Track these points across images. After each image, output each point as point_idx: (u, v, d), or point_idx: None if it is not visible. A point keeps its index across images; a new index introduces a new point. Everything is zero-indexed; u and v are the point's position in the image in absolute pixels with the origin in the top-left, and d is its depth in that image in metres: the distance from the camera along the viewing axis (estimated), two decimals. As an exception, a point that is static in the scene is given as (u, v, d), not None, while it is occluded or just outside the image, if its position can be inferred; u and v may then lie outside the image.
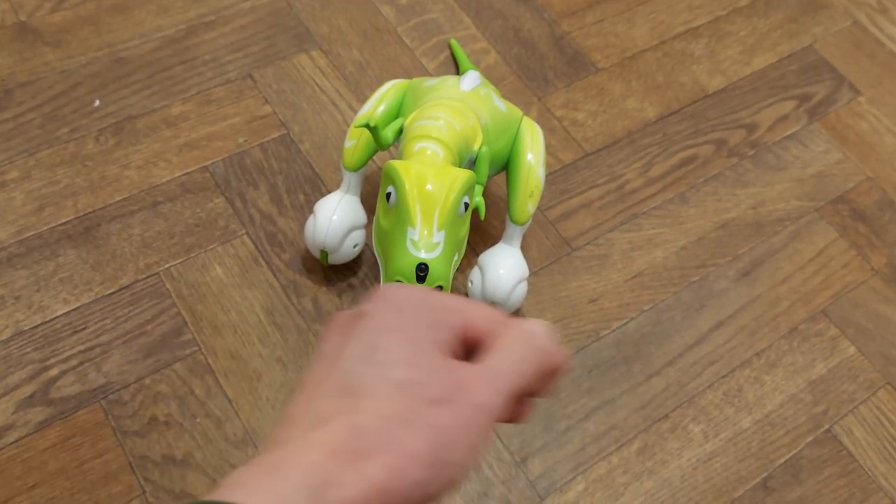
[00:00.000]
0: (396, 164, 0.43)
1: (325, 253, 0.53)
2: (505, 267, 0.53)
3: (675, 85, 0.70)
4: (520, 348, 0.27)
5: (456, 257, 0.44)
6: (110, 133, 0.61)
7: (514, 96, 0.67)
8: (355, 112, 0.64)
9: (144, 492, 0.48)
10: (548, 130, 0.65)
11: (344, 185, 0.55)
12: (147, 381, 0.51)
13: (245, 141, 0.62)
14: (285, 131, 0.63)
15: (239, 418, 0.50)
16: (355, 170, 0.54)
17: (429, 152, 0.45)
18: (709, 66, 0.71)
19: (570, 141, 0.65)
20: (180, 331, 0.53)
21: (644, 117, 0.67)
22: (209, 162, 0.60)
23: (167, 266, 0.56)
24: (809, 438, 0.54)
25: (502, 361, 0.26)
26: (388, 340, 0.25)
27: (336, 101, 0.65)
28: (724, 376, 0.56)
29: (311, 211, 0.59)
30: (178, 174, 0.60)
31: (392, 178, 0.42)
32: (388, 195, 0.43)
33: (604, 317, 0.57)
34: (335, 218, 0.53)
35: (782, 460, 0.53)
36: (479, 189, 0.48)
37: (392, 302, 0.26)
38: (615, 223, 0.62)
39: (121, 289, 0.54)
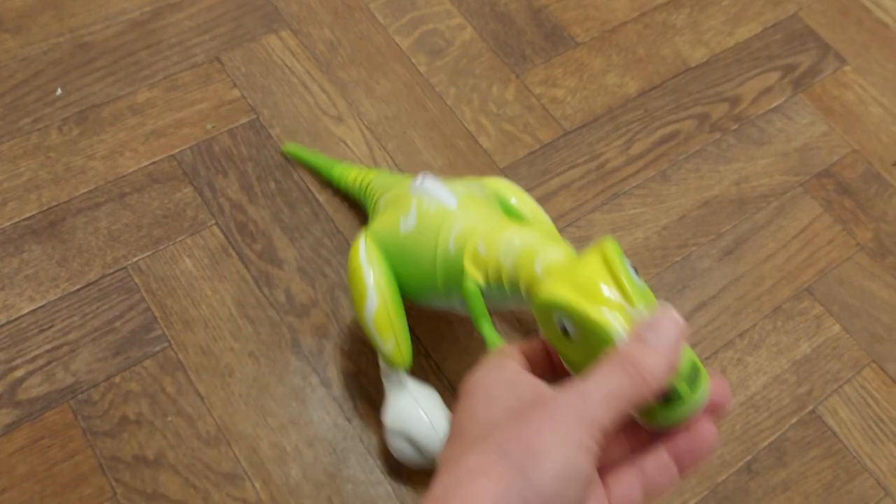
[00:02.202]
0: (548, 291, 0.33)
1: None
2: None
3: (657, 58, 0.68)
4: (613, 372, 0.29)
5: None
6: (74, 122, 0.59)
7: (491, 74, 0.65)
8: (327, 94, 0.62)
9: (116, 493, 0.47)
10: (526, 108, 0.64)
11: (396, 383, 0.47)
12: (117, 379, 0.50)
13: (213, 127, 0.60)
14: (255, 116, 0.61)
15: (211, 415, 0.49)
16: (409, 365, 0.46)
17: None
18: (691, 37, 0.69)
19: (549, 119, 0.64)
20: (150, 327, 0.52)
21: (625, 93, 0.66)
22: (176, 150, 0.59)
23: (135, 260, 0.54)
24: (794, 420, 0.53)
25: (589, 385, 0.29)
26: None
27: (307, 83, 0.63)
28: (706, 358, 0.55)
29: (283, 200, 0.57)
30: (144, 164, 0.58)
31: (556, 306, 0.33)
32: (564, 329, 0.33)
33: (584, 301, 0.56)
34: (426, 418, 0.45)
35: (766, 443, 0.52)
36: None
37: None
38: (596, 203, 0.60)
39: (88, 284, 0.53)
